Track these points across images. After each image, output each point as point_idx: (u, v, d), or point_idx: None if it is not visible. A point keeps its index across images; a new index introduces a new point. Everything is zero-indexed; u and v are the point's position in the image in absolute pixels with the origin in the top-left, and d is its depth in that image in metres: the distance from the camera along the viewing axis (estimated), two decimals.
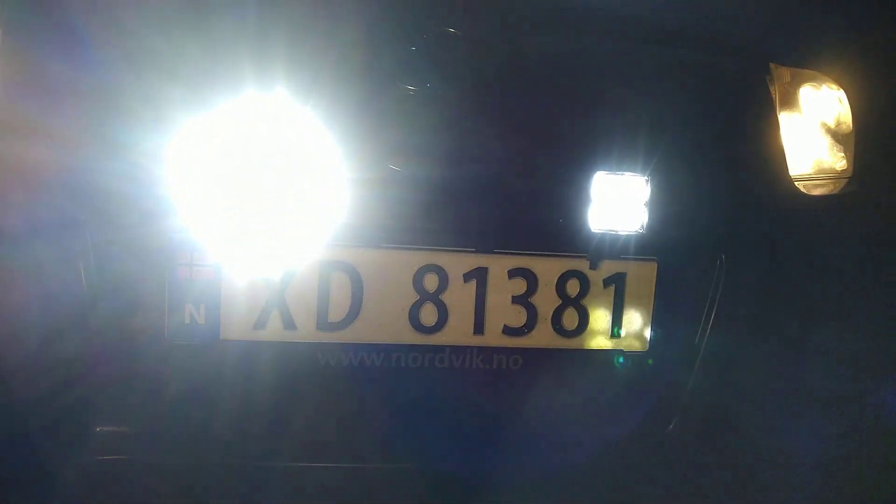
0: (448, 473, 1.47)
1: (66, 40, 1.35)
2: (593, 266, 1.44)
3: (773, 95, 1.70)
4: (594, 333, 1.47)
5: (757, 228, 1.55)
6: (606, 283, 1.46)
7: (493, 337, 1.44)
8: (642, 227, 1.46)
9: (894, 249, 1.68)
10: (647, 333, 1.50)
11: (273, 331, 1.38)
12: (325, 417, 1.43)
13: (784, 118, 1.71)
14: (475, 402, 1.48)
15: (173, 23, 1.37)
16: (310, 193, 1.35)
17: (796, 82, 1.77)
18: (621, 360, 1.50)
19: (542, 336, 1.45)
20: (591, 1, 1.51)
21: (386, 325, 1.41)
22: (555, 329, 1.46)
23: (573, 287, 1.45)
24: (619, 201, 1.44)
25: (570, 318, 1.46)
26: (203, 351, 1.36)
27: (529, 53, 1.47)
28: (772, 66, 1.73)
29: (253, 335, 1.37)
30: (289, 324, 1.38)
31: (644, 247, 1.46)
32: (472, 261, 1.42)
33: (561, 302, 1.45)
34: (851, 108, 1.81)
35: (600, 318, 1.47)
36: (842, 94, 1.81)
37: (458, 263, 1.41)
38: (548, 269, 1.44)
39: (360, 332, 1.40)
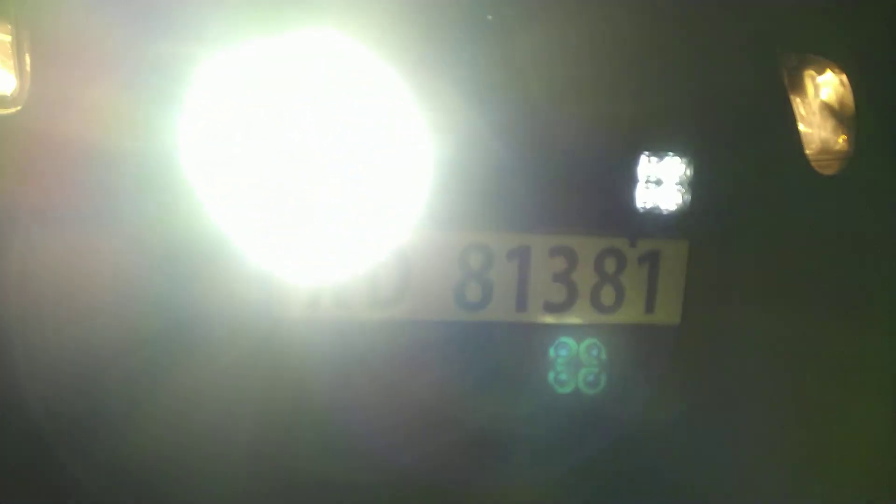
0: (497, 445, 1.51)
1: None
2: (633, 244, 1.50)
3: (783, 78, 1.77)
4: (629, 309, 1.53)
5: (781, 207, 1.62)
6: (641, 260, 1.52)
7: (535, 313, 1.49)
8: (677, 207, 1.52)
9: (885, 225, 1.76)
10: (679, 309, 1.56)
11: (325, 309, 1.41)
12: (374, 391, 1.46)
13: (794, 101, 1.79)
14: (517, 376, 1.53)
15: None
16: (359, 178, 1.38)
17: (802, 66, 1.84)
18: (655, 333, 1.55)
19: (582, 312, 1.51)
20: None
21: (432, 302, 1.45)
22: (592, 305, 1.51)
23: (610, 265, 1.51)
24: (655, 182, 1.51)
25: (607, 295, 1.52)
26: (256, 329, 1.38)
27: (569, 40, 1.51)
28: (778, 49, 1.80)
29: (306, 314, 1.40)
30: (341, 302, 1.41)
31: (677, 226, 1.53)
32: (516, 239, 1.46)
33: (598, 279, 1.51)
34: (853, 91, 1.89)
35: (636, 294, 1.53)
36: (844, 77, 1.88)
37: (502, 242, 1.46)
38: (587, 247, 1.49)
39: (407, 310, 1.44)
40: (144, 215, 1.35)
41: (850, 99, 1.87)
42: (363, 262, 1.41)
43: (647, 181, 1.51)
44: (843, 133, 1.89)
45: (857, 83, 1.86)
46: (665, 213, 1.52)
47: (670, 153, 1.51)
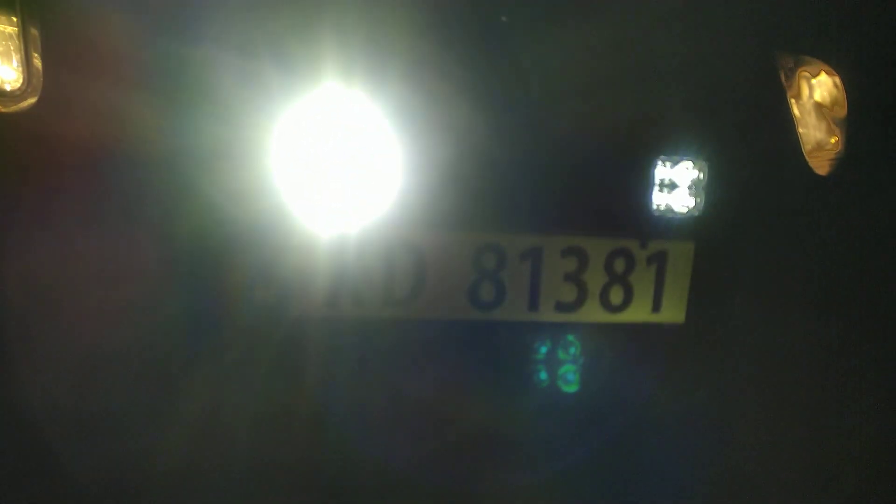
0: (507, 441, 1.54)
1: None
2: (643, 245, 1.53)
3: (783, 81, 1.81)
4: (638, 308, 1.57)
5: (783, 209, 1.66)
6: (650, 261, 1.56)
7: (546, 313, 1.52)
8: (684, 209, 1.55)
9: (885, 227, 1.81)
10: (684, 307, 1.60)
11: (343, 307, 1.42)
12: (389, 386, 1.48)
13: (792, 103, 1.83)
14: (529, 374, 1.56)
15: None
16: (376, 178, 1.40)
17: (798, 67, 1.88)
18: (660, 332, 1.59)
19: (591, 311, 1.54)
20: None
21: (447, 301, 1.47)
22: (602, 304, 1.54)
23: (620, 265, 1.54)
24: (665, 185, 1.54)
25: (616, 294, 1.55)
26: (276, 327, 1.40)
27: (581, 45, 1.53)
28: (776, 53, 1.83)
29: (324, 312, 1.41)
30: (357, 301, 1.43)
31: (684, 228, 1.56)
32: (529, 240, 1.49)
33: (608, 279, 1.54)
34: (846, 93, 1.93)
35: (643, 293, 1.57)
36: (837, 79, 1.93)
37: (515, 243, 1.48)
38: (597, 247, 1.52)
39: (422, 309, 1.46)
40: (161, 215, 1.35)
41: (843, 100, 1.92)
42: (380, 262, 1.42)
43: (660, 184, 1.54)
44: (842, 133, 1.94)
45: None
46: (674, 215, 1.55)
47: (682, 157, 1.54)
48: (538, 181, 1.49)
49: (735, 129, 1.62)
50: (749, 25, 1.68)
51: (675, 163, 1.54)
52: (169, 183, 1.35)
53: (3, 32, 1.37)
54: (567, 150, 1.51)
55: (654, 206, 1.54)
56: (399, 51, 1.42)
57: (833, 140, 1.93)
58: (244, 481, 1.41)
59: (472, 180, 1.46)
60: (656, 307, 1.58)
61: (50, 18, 1.35)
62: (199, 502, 1.41)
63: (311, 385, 1.43)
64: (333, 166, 1.37)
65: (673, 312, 1.59)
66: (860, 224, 1.73)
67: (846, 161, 1.80)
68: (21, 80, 1.35)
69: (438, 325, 1.48)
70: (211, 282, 1.37)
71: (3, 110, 1.33)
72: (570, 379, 1.62)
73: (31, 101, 1.34)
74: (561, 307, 1.53)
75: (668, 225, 1.56)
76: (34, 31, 1.35)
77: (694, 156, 1.54)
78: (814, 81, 1.90)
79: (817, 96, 1.91)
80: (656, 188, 1.54)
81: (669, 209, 1.55)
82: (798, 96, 1.88)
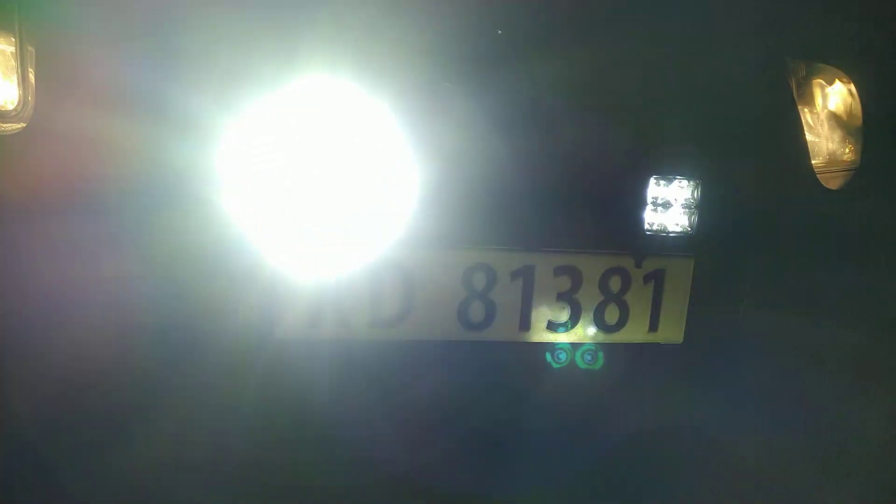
0: (495, 463, 1.51)
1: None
2: (639, 264, 1.49)
3: (793, 90, 1.75)
4: (634, 327, 1.52)
5: (787, 222, 1.61)
6: (647, 279, 1.51)
7: (538, 333, 1.48)
8: (682, 226, 1.51)
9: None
10: (683, 326, 1.55)
11: (327, 329, 1.40)
12: (376, 410, 1.46)
13: (802, 112, 1.77)
14: (520, 395, 1.53)
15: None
16: (361, 196, 1.37)
17: (810, 76, 1.82)
18: (657, 352, 1.55)
19: (585, 331, 1.50)
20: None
21: (436, 322, 1.44)
22: (596, 324, 1.50)
23: (615, 283, 1.50)
24: (661, 203, 1.50)
25: (611, 314, 1.51)
26: (259, 349, 1.38)
27: (576, 62, 1.49)
28: (788, 59, 1.78)
29: (308, 333, 1.39)
30: (342, 322, 1.40)
31: (682, 244, 1.52)
32: (520, 259, 1.45)
33: (603, 298, 1.50)
34: (861, 101, 1.87)
35: (640, 312, 1.52)
36: (852, 87, 1.86)
37: (505, 262, 1.45)
38: (592, 266, 1.48)
39: (411, 330, 1.43)
40: (147, 235, 1.33)
41: (854, 108, 1.86)
42: (367, 282, 1.40)
43: (654, 202, 1.50)
44: (853, 144, 1.88)
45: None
46: (671, 233, 1.51)
47: (677, 175, 1.50)
48: (530, 199, 1.46)
49: (730, 145, 1.57)
50: (740, 42, 1.63)
51: (669, 181, 1.50)
52: (154, 203, 1.33)
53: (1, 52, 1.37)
54: (561, 168, 1.47)
55: (649, 225, 1.50)
56: (389, 71, 1.40)
57: (847, 150, 1.87)
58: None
59: (462, 198, 1.43)
60: (653, 327, 1.53)
61: (48, 37, 1.34)
62: None
63: (293, 407, 1.40)
64: (320, 186, 1.35)
65: (671, 332, 1.55)
66: (861, 236, 1.68)
67: (855, 169, 1.75)
68: (18, 100, 1.34)
69: (427, 346, 1.45)
70: (194, 302, 1.36)
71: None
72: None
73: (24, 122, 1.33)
74: (553, 327, 1.49)
75: (665, 243, 1.51)
76: (31, 50, 1.34)
77: (689, 173, 1.49)
78: (827, 90, 1.85)
79: (830, 105, 1.85)
80: (651, 206, 1.49)
81: (664, 227, 1.51)
82: (810, 105, 1.82)
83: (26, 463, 1.32)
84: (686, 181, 1.51)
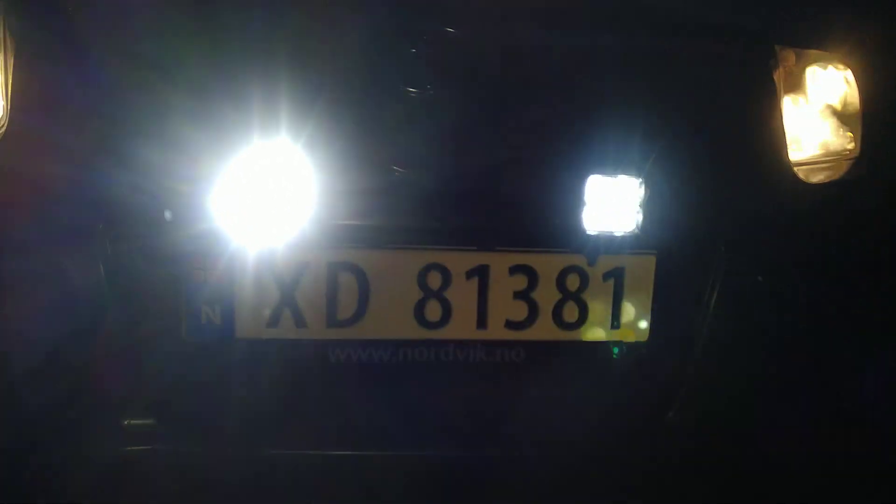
0: (453, 463, 1.54)
1: (79, 55, 1.41)
2: (591, 262, 1.48)
3: (777, 79, 1.71)
4: (594, 326, 1.52)
5: (756, 218, 1.57)
6: (606, 277, 1.51)
7: (495, 331, 1.50)
8: (640, 222, 1.49)
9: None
10: (647, 325, 1.54)
11: (285, 329, 1.45)
12: (334, 409, 1.50)
13: (787, 102, 1.72)
14: (479, 394, 1.54)
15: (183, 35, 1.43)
16: (315, 198, 1.41)
17: (802, 63, 1.77)
18: (621, 350, 1.54)
19: (543, 329, 1.51)
20: None
21: (392, 321, 1.47)
22: (555, 322, 1.51)
23: (573, 282, 1.50)
24: (616, 198, 1.48)
25: (570, 312, 1.51)
26: (220, 349, 1.44)
27: (526, 53, 1.50)
28: (777, 48, 1.73)
29: (266, 333, 1.45)
30: (300, 322, 1.45)
31: (642, 241, 1.50)
32: (474, 258, 1.47)
33: (561, 296, 1.50)
34: (858, 87, 1.81)
35: (600, 311, 1.52)
36: (849, 73, 1.80)
37: (460, 261, 1.47)
38: (548, 265, 1.49)
39: (367, 329, 1.47)
40: (105, 236, 1.40)
41: (851, 96, 1.80)
42: (321, 282, 1.44)
43: (611, 199, 1.48)
44: (851, 133, 1.82)
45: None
46: (629, 231, 1.49)
47: (635, 171, 1.48)
48: (483, 198, 1.47)
49: (696, 138, 1.55)
50: (718, 28, 1.60)
51: (627, 177, 1.48)
52: (114, 202, 1.40)
53: None
54: (512, 165, 1.48)
55: (606, 223, 1.48)
56: (333, 65, 1.44)
57: (845, 140, 1.82)
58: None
59: (415, 198, 1.45)
60: (615, 325, 1.53)
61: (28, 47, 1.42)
62: None
63: (250, 409, 1.46)
64: (273, 189, 1.39)
65: (634, 330, 1.54)
66: (845, 219, 1.63)
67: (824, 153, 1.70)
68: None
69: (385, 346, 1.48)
70: (151, 303, 1.43)
71: None
72: None
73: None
74: (511, 325, 1.50)
75: (624, 241, 1.50)
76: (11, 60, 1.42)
77: (646, 170, 1.48)
78: (821, 78, 1.79)
79: (826, 94, 1.80)
80: (607, 203, 1.48)
81: (623, 225, 1.49)
82: (801, 95, 1.77)
83: None
84: (644, 177, 1.49)
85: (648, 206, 1.49)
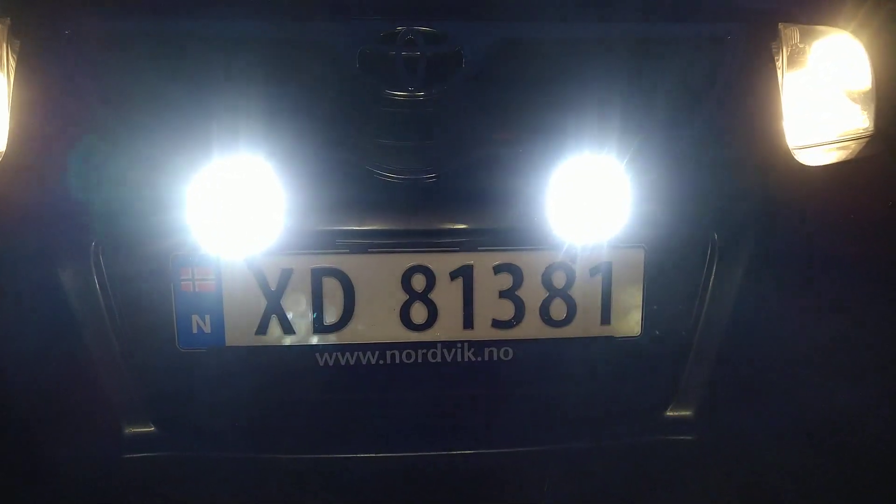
0: (442, 464, 1.54)
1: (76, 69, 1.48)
2: (577, 259, 1.46)
3: (779, 58, 1.65)
4: (583, 322, 1.50)
5: (752, 206, 1.53)
6: (593, 272, 1.49)
7: (482, 331, 1.50)
8: (627, 215, 1.46)
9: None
10: (639, 319, 1.52)
11: (273, 336, 1.47)
12: (323, 413, 1.53)
13: (792, 82, 1.66)
14: (468, 394, 1.54)
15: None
16: (297, 205, 1.43)
17: (808, 41, 1.71)
18: (612, 346, 1.52)
19: (531, 328, 1.50)
20: None
21: (378, 325, 1.48)
22: (543, 320, 1.49)
23: (559, 279, 1.48)
24: (602, 192, 1.45)
25: (557, 309, 1.49)
26: (212, 357, 1.47)
27: (506, 49, 1.49)
28: (781, 26, 1.67)
29: (256, 340, 1.47)
30: (287, 328, 1.47)
31: (630, 235, 1.47)
32: (458, 259, 1.47)
33: (548, 294, 1.49)
34: (871, 63, 1.74)
35: (589, 307, 1.50)
36: (860, 49, 1.73)
37: (443, 263, 1.47)
38: (533, 262, 1.47)
39: (354, 333, 1.48)
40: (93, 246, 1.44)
41: (863, 71, 1.73)
42: (306, 289, 1.46)
43: (592, 191, 1.45)
44: (856, 110, 1.75)
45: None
46: (615, 222, 1.47)
47: (616, 161, 1.45)
48: (464, 197, 1.47)
49: (685, 126, 1.52)
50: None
51: (612, 170, 1.45)
52: (108, 219, 1.45)
53: None
54: (492, 163, 1.48)
55: (592, 218, 1.46)
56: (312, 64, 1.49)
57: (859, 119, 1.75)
58: None
59: (395, 201, 1.46)
60: (605, 320, 1.51)
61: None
62: None
63: (243, 410, 1.49)
64: (255, 197, 1.41)
65: (625, 325, 1.52)
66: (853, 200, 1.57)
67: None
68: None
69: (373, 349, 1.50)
70: (145, 315, 1.47)
71: None
72: None
73: None
74: (498, 325, 1.50)
75: (611, 234, 1.47)
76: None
77: (624, 159, 1.45)
78: (829, 56, 1.73)
79: (835, 73, 1.73)
80: (585, 195, 1.45)
81: (609, 217, 1.46)
82: (808, 74, 1.71)
83: None
84: (630, 169, 1.46)
85: (636, 198, 1.46)
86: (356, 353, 1.50)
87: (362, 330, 1.48)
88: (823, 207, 1.59)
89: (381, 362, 1.50)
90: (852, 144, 1.72)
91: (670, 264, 1.51)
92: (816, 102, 1.70)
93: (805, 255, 1.53)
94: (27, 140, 1.47)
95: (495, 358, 1.52)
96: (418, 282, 1.47)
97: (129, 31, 1.52)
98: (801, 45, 1.70)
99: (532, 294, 1.48)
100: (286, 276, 1.46)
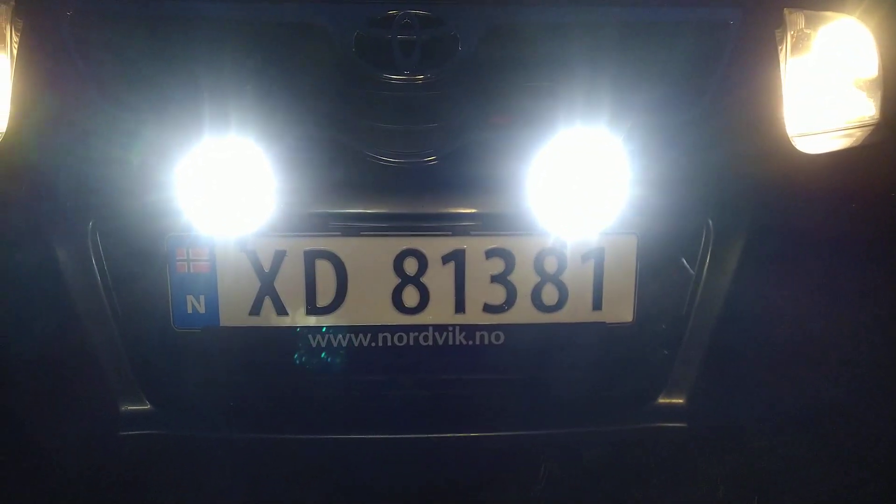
0: (433, 447, 1.55)
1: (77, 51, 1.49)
2: (566, 244, 1.46)
3: (783, 44, 1.63)
4: (575, 307, 1.50)
5: (747, 194, 1.52)
6: (585, 258, 1.48)
7: (473, 315, 1.50)
8: (620, 201, 1.45)
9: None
10: (631, 306, 1.51)
11: (266, 317, 1.49)
12: (315, 394, 1.54)
13: (795, 68, 1.64)
14: (459, 378, 1.55)
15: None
16: (290, 187, 1.44)
17: (814, 26, 1.68)
18: (604, 332, 1.52)
19: (522, 312, 1.50)
20: None
21: (370, 307, 1.49)
22: (535, 305, 1.49)
23: (551, 264, 1.48)
24: (594, 177, 1.44)
25: (549, 294, 1.49)
26: (207, 337, 1.49)
27: (501, 31, 1.48)
28: (786, 11, 1.65)
29: (249, 321, 1.49)
30: (280, 309, 1.49)
31: (623, 221, 1.46)
32: (450, 243, 1.47)
33: (539, 279, 1.49)
34: (878, 49, 1.71)
35: (581, 292, 1.50)
36: (867, 34, 1.71)
37: (436, 246, 1.47)
38: (524, 247, 1.47)
39: (346, 315, 1.49)
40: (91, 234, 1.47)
41: (870, 57, 1.70)
42: (299, 270, 1.47)
43: (584, 177, 1.45)
44: (862, 97, 1.72)
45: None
46: (607, 208, 1.46)
47: (609, 148, 1.44)
48: (456, 181, 1.47)
49: (680, 108, 1.51)
50: None
51: (600, 155, 1.44)
52: (104, 200, 1.46)
53: None
54: (485, 146, 1.48)
55: (583, 200, 1.45)
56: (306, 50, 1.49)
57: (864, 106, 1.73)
58: None
59: (388, 184, 1.47)
60: (597, 306, 1.50)
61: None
62: None
63: (236, 390, 1.51)
64: (251, 178, 1.42)
65: (617, 311, 1.51)
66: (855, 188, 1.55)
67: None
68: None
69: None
70: (142, 295, 1.49)
71: None
72: None
73: None
74: (490, 309, 1.50)
75: (604, 220, 1.46)
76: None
77: (618, 142, 1.44)
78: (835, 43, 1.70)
79: (841, 59, 1.71)
80: (577, 180, 1.44)
81: (601, 202, 1.45)
82: (812, 61, 1.68)
83: None
84: (624, 155, 1.45)
85: (630, 184, 1.45)
86: (348, 336, 1.51)
87: (354, 312, 1.49)
88: (823, 197, 1.57)
89: (372, 345, 1.51)
90: (857, 132, 1.69)
91: (664, 251, 1.51)
92: (820, 89, 1.68)
93: (801, 245, 1.52)
94: (28, 120, 1.49)
95: (487, 342, 1.52)
96: (410, 265, 1.47)
97: (129, 13, 1.53)
98: (806, 31, 1.68)
99: (524, 279, 1.49)
100: (279, 258, 1.47)
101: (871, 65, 1.72)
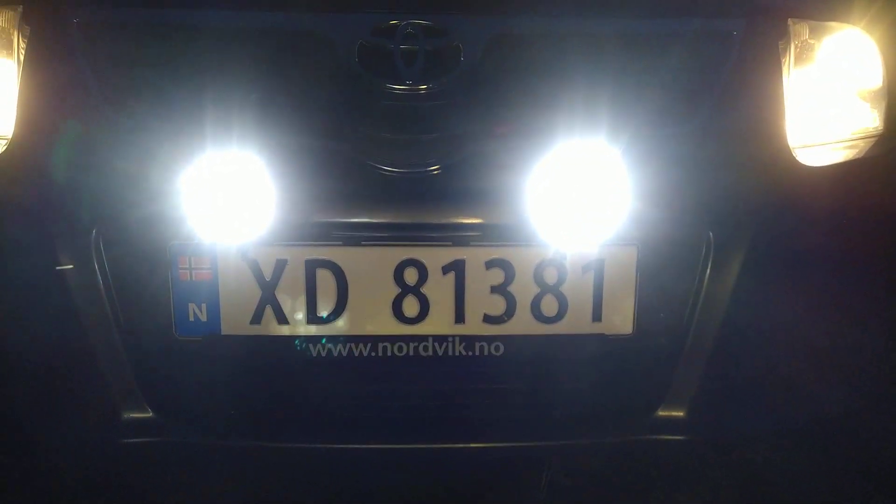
0: (432, 457, 1.55)
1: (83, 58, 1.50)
2: (566, 255, 1.46)
3: (787, 55, 1.62)
4: (575, 319, 1.50)
5: (748, 206, 1.51)
6: (585, 269, 1.48)
7: (473, 325, 1.50)
8: (620, 213, 1.45)
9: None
10: (631, 318, 1.51)
11: (267, 325, 1.50)
12: (315, 404, 1.55)
13: (799, 79, 1.64)
14: (459, 389, 1.55)
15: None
16: (292, 197, 1.44)
17: (818, 36, 1.68)
18: (604, 344, 1.52)
19: (522, 323, 1.50)
20: None
21: (370, 317, 1.50)
22: (534, 316, 1.50)
23: (550, 275, 1.48)
24: (594, 188, 1.44)
25: (548, 305, 1.49)
26: (209, 345, 1.50)
27: (501, 43, 1.49)
28: (790, 21, 1.65)
29: (250, 330, 1.50)
30: (281, 319, 1.49)
31: (623, 232, 1.46)
32: (450, 254, 1.47)
33: (539, 290, 1.49)
34: (883, 59, 1.70)
35: (580, 304, 1.50)
36: (872, 45, 1.70)
37: (436, 257, 1.47)
38: (524, 258, 1.48)
39: (346, 325, 1.50)
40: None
41: (875, 69, 1.69)
42: (300, 280, 1.48)
43: (584, 188, 1.45)
44: (866, 109, 1.72)
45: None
46: (607, 220, 1.46)
47: (609, 159, 1.44)
48: (456, 191, 1.47)
49: (673, 125, 1.50)
50: None
51: (600, 166, 1.44)
52: (108, 209, 1.48)
53: None
54: (486, 158, 1.48)
55: (581, 214, 1.45)
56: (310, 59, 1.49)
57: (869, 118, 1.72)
58: None
59: (389, 194, 1.47)
60: (596, 317, 1.50)
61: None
62: None
63: (237, 398, 1.52)
64: (253, 188, 1.43)
65: (617, 322, 1.51)
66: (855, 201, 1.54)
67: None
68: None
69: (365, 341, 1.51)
70: (144, 303, 1.50)
71: None
72: None
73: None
74: (490, 320, 1.50)
75: (604, 232, 1.46)
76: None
77: (619, 155, 1.44)
78: (840, 53, 1.69)
79: (846, 70, 1.70)
80: (577, 192, 1.44)
81: (598, 216, 1.45)
82: (816, 71, 1.68)
83: None
84: (624, 167, 1.45)
85: (630, 196, 1.45)
86: (349, 345, 1.51)
87: (355, 322, 1.50)
88: (825, 209, 1.56)
89: (373, 354, 1.52)
90: (860, 144, 1.68)
91: (664, 263, 1.51)
92: (824, 100, 1.67)
93: (802, 257, 1.51)
94: (34, 127, 1.50)
95: (486, 353, 1.52)
96: (411, 275, 1.48)
97: (135, 21, 1.54)
98: (810, 41, 1.67)
99: (523, 290, 1.49)
100: (281, 267, 1.47)
101: (875, 76, 1.71)
